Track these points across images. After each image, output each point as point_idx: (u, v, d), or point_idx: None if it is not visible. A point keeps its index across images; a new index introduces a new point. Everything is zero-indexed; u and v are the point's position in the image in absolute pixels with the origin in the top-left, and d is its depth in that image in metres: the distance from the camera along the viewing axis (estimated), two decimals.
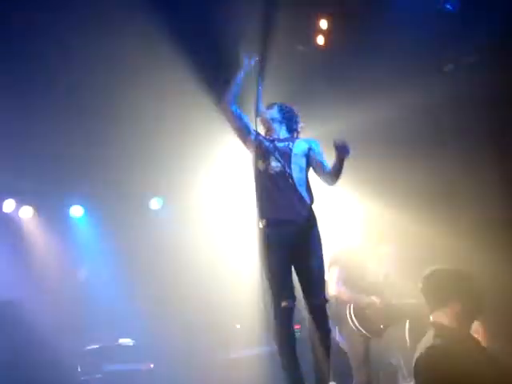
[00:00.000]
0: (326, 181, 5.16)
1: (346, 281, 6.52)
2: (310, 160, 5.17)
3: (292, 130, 5.32)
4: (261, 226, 4.92)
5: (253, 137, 5.23)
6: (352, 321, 6.42)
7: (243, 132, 5.23)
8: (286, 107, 5.39)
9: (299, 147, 5.15)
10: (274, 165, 5.02)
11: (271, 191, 4.97)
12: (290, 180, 4.98)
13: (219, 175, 9.66)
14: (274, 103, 5.39)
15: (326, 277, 5.23)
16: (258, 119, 5.25)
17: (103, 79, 7.66)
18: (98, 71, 7.55)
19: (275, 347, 4.91)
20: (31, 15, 6.61)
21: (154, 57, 7.39)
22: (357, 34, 7.23)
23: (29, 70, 7.34)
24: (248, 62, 5.27)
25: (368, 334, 6.38)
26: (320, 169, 5.16)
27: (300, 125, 5.37)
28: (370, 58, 7.44)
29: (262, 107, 5.29)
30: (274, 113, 5.32)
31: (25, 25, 6.74)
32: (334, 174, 5.01)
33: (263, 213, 4.94)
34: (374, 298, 6.45)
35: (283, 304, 4.75)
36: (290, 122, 5.33)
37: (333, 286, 6.44)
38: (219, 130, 7.76)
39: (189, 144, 9.16)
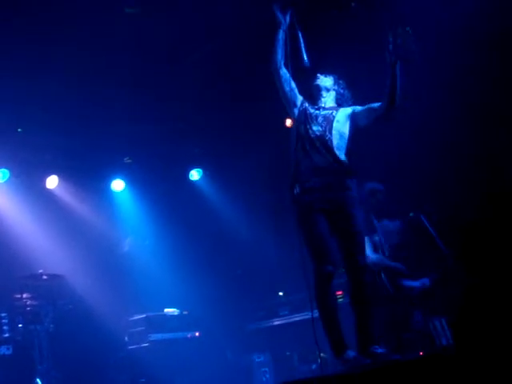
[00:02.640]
0: (386, 109, 4.90)
1: (375, 248, 6.59)
2: (357, 116, 5.06)
3: (339, 103, 5.25)
4: (297, 191, 4.90)
5: (299, 102, 5.20)
6: (386, 286, 6.47)
7: (290, 97, 5.14)
8: (342, 82, 5.30)
9: (342, 113, 5.09)
10: (315, 129, 4.99)
11: (309, 154, 4.94)
12: (329, 143, 4.96)
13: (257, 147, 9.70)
14: (331, 73, 5.29)
15: None
16: (314, 85, 5.19)
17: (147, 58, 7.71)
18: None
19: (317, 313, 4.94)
20: None
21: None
22: None
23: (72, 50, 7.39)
24: (284, 17, 5.10)
25: (403, 298, 6.45)
26: (370, 108, 5.04)
27: (350, 102, 5.25)
28: None
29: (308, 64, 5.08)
30: (328, 82, 5.25)
31: None
32: (390, 92, 4.78)
33: (300, 176, 4.92)
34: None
35: (323, 269, 4.77)
36: (341, 96, 5.25)
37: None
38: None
39: (230, 116, 9.22)
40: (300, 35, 5.10)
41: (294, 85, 5.16)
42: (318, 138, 4.96)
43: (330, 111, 5.10)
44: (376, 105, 4.98)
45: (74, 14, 6.64)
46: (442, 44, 7.25)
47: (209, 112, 9.19)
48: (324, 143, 4.95)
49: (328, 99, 5.21)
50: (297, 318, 8.44)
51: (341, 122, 5.03)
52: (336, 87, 5.24)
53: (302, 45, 5.08)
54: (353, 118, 5.07)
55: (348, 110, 5.11)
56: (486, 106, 7.41)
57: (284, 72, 5.12)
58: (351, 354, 4.65)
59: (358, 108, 5.11)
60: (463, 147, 7.71)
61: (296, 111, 5.16)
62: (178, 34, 7.23)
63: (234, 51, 7.67)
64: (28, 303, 8.03)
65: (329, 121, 5.02)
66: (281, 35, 5.07)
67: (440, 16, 6.99)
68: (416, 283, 7.11)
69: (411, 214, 7.07)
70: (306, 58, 5.06)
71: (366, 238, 6.57)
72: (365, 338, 4.72)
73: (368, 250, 6.53)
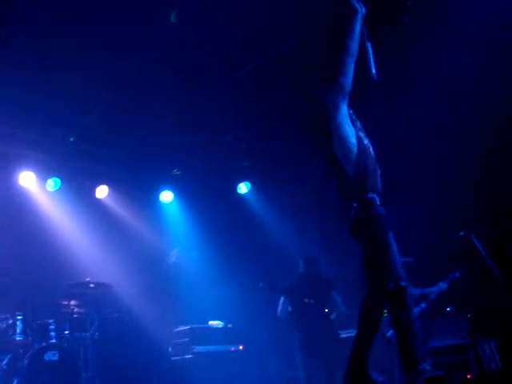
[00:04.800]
0: None
1: None
2: None
3: None
4: (376, 202, 4.69)
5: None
6: None
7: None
8: None
9: None
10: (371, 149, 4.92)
11: (373, 167, 4.84)
12: None
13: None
14: None
15: None
16: None
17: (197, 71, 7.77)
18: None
19: None
20: None
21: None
22: None
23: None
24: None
25: None
26: None
27: None
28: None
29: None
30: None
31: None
32: None
33: (375, 188, 4.74)
34: None
35: (398, 283, 4.62)
36: None
37: None
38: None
39: (280, 130, 9.23)
40: (369, 46, 4.93)
41: None
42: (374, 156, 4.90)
43: None
44: None
45: (123, 26, 6.73)
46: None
47: (258, 125, 9.21)
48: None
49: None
50: (344, 334, 8.29)
51: None
52: None
53: (371, 57, 4.91)
54: None
55: None
56: None
57: None
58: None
59: None
60: None
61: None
62: (228, 48, 7.25)
63: (284, 66, 7.66)
64: (75, 310, 8.13)
65: None
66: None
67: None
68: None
69: (461, 233, 6.96)
70: (374, 71, 4.93)
71: None
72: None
73: None
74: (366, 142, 4.82)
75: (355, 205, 4.66)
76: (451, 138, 8.13)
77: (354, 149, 4.72)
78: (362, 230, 4.67)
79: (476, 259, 6.82)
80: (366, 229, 4.65)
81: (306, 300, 7.61)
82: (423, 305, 7.22)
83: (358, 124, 4.92)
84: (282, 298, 7.90)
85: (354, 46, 4.78)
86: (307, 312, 7.64)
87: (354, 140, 4.75)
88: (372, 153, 4.84)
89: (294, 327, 7.75)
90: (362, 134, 4.84)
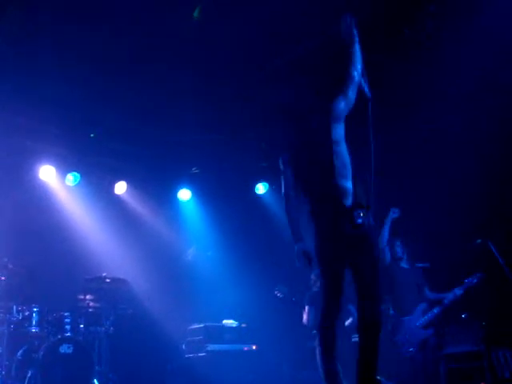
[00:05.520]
0: None
1: None
2: None
3: None
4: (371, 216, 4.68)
5: None
6: None
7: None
8: None
9: None
10: None
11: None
12: None
13: None
14: None
15: None
16: None
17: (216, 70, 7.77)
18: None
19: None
20: None
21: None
22: None
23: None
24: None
25: None
26: None
27: None
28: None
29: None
30: None
31: None
32: None
33: (368, 201, 4.69)
34: None
35: None
36: None
37: None
38: None
39: None
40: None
41: None
42: None
43: None
44: None
45: (145, 22, 6.75)
46: None
47: (278, 125, 9.19)
48: None
49: None
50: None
51: None
52: None
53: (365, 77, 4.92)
54: None
55: None
56: None
57: None
58: None
59: None
60: None
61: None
62: (251, 46, 7.23)
63: (305, 68, 7.64)
64: (90, 305, 8.20)
65: None
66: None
67: None
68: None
69: (479, 241, 6.95)
70: (367, 90, 4.90)
71: None
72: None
73: None
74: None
75: (360, 220, 4.51)
76: (470, 145, 8.10)
77: (349, 165, 4.67)
78: (367, 244, 4.63)
79: (493, 267, 6.80)
80: (372, 242, 4.66)
81: None
82: (435, 310, 7.18)
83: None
84: (307, 308, 7.96)
85: (361, 65, 4.82)
86: None
87: (347, 158, 4.70)
88: None
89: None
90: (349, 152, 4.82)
